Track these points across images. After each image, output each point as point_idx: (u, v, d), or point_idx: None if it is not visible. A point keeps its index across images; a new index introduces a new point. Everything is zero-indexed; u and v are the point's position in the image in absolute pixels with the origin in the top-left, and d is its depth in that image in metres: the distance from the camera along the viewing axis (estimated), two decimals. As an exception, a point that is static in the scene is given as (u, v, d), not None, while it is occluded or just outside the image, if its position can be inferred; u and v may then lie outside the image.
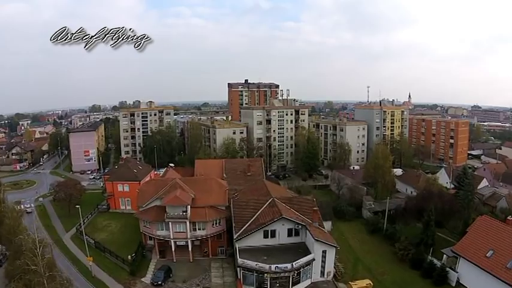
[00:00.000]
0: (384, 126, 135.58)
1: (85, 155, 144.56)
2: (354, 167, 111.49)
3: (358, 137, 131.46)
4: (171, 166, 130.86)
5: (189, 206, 61.78)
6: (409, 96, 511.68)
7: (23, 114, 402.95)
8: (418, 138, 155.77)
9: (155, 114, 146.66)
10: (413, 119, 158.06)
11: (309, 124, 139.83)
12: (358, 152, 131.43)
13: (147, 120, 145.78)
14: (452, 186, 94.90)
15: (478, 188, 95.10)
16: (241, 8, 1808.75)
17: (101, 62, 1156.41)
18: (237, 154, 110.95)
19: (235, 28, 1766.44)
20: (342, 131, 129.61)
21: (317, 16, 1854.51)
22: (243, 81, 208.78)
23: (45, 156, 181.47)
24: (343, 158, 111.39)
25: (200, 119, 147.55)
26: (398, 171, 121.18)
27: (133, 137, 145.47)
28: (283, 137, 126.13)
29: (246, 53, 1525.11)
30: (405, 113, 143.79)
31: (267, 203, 59.43)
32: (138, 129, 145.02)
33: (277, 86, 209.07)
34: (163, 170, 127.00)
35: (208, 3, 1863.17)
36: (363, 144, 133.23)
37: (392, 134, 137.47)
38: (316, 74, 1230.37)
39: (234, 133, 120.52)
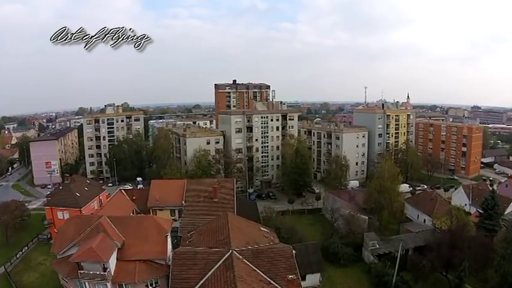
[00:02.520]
0: (387, 133, 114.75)
1: (46, 167, 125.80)
2: (352, 188, 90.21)
3: (357, 146, 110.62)
4: (139, 181, 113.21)
5: (111, 261, 41.88)
6: (408, 96, 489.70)
7: (10, 118, 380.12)
8: (425, 146, 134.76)
9: (122, 121, 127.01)
10: (419, 123, 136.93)
11: (299, 131, 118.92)
12: (357, 163, 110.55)
13: (113, 128, 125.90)
14: (476, 212, 75.03)
15: (505, 212, 75.69)
16: (238, 9, 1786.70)
17: (99, 63, 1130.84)
18: (210, 169, 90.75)
19: (232, 29, 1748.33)
20: (338, 139, 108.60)
21: (314, 17, 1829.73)
22: (231, 82, 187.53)
23: (15, 166, 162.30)
24: (338, 176, 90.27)
25: (175, 124, 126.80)
26: (404, 187, 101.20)
27: (98, 147, 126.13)
28: (267, 147, 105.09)
29: (243, 54, 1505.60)
30: (411, 117, 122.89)
31: (222, 259, 38.96)
32: (104, 137, 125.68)
33: (268, 87, 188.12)
34: (126, 186, 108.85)
35: (205, 4, 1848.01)
36: (363, 154, 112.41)
37: (397, 142, 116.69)
38: (313, 75, 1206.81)
39: (208, 143, 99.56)
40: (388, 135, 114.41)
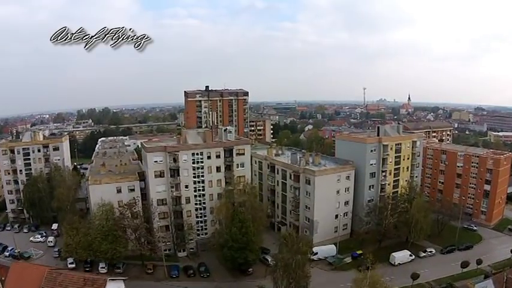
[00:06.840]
0: (383, 171, 76.31)
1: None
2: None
3: (338, 192, 72.28)
4: (54, 229, 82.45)
5: None
6: (409, 98, 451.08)
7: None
8: (434, 179, 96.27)
9: (39, 151, 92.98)
10: (427, 149, 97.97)
11: (260, 163, 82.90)
12: (336, 216, 72.92)
13: (30, 159, 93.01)
14: None
15: None
16: (237, 8, 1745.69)
17: (99, 63, 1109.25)
18: (120, 233, 57.44)
19: (230, 28, 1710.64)
20: (309, 183, 70.70)
21: (313, 16, 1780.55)
22: (204, 88, 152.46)
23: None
24: (291, 266, 48.47)
25: (105, 153, 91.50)
26: (403, 256, 66.68)
27: (16, 182, 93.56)
28: (203, 195, 68.72)
29: (242, 53, 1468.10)
30: (418, 144, 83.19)
31: None
32: (21, 171, 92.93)
33: (246, 94, 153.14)
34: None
35: (204, 4, 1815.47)
36: (346, 203, 74.22)
37: (397, 182, 78.92)
38: (312, 74, 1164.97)
39: (120, 191, 65.12)
40: (384, 174, 76.56)
